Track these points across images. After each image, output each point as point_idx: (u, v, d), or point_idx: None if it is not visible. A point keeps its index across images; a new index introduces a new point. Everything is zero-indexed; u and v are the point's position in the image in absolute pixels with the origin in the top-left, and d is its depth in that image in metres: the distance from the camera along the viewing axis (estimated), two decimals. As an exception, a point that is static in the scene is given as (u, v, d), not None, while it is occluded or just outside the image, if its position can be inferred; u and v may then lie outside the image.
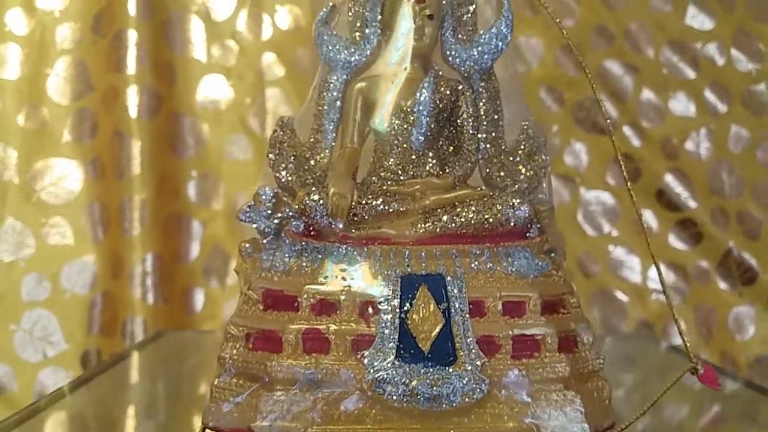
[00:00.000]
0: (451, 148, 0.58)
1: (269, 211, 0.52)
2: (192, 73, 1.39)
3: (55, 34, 1.34)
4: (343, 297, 0.50)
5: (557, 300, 0.53)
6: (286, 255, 0.53)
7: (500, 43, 0.57)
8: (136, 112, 1.35)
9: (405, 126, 0.56)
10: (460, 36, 0.57)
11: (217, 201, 1.41)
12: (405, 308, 0.49)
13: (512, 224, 0.52)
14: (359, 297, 0.50)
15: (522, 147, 0.57)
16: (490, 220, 0.52)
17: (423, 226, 0.53)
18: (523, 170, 0.55)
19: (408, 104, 0.56)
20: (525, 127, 0.58)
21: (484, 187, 0.56)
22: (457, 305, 0.49)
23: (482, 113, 0.57)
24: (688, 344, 0.55)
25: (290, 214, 0.52)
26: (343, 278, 0.50)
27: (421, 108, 0.56)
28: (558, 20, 0.60)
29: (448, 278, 0.50)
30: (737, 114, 1.42)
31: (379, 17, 0.57)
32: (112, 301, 1.37)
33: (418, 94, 0.56)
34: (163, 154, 1.38)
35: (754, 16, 1.41)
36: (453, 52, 0.57)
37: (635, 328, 1.43)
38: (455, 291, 0.49)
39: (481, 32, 0.57)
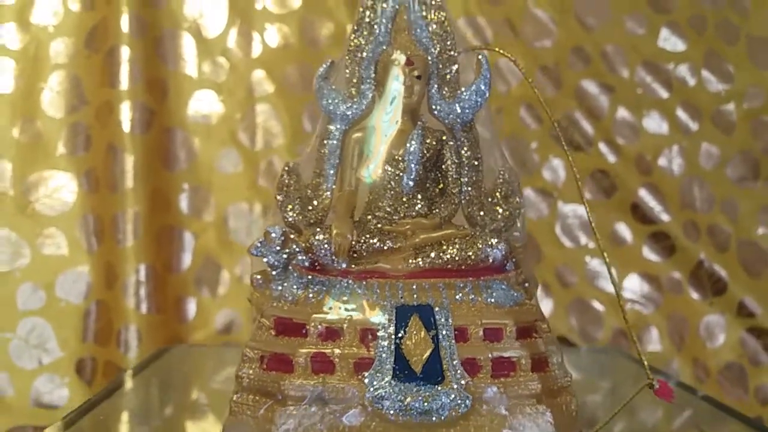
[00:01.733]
0: (437, 189, 0.67)
1: (278, 247, 0.61)
2: (183, 88, 1.47)
3: (49, 48, 1.41)
4: (345, 325, 0.59)
5: (530, 326, 0.63)
6: (294, 286, 0.62)
7: (480, 99, 0.66)
8: (129, 126, 1.42)
9: (397, 172, 0.65)
10: (444, 92, 0.67)
11: (208, 213, 1.48)
12: (399, 335, 0.58)
13: (491, 261, 0.62)
14: (359, 325, 0.59)
15: (499, 190, 0.66)
16: (472, 256, 0.61)
17: (413, 261, 0.62)
18: (500, 211, 0.65)
19: (399, 153, 0.65)
20: (501, 172, 0.67)
21: (466, 226, 0.65)
22: (444, 332, 0.58)
23: (464, 160, 0.66)
24: (645, 359, 0.64)
25: (297, 250, 0.61)
26: (346, 308, 0.60)
27: (410, 157, 0.65)
28: (521, 66, 0.69)
29: (436, 308, 0.59)
30: (708, 132, 1.52)
31: (373, 75, 0.66)
32: (107, 310, 1.44)
33: (408, 145, 0.65)
34: (155, 167, 1.46)
35: (723, 39, 1.51)
36: (438, 107, 0.66)
37: (611, 337, 1.52)
38: (442, 320, 0.59)
39: (463, 89, 0.67)
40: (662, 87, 1.52)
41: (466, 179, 0.66)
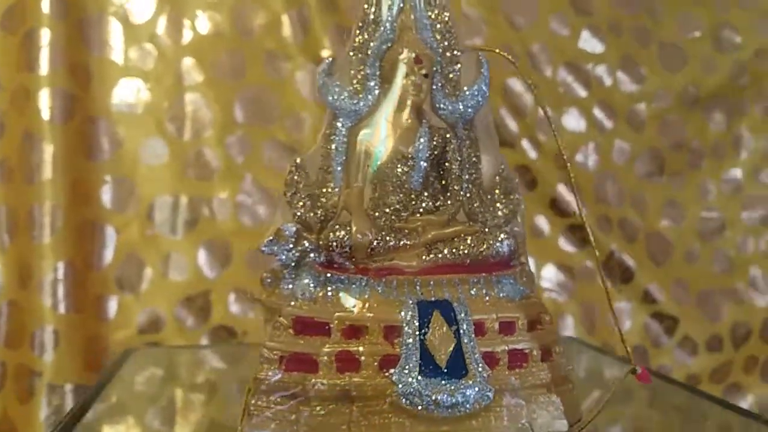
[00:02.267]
0: (439, 186, 0.69)
1: (291, 245, 0.60)
2: (108, 75, 1.40)
3: (-41, 28, 1.31)
4: (369, 322, 0.59)
5: (537, 318, 0.65)
6: (311, 284, 0.61)
7: (481, 98, 0.68)
8: (49, 114, 1.34)
9: (406, 170, 0.66)
10: (447, 91, 0.68)
11: (132, 207, 1.42)
12: (423, 331, 0.59)
13: (500, 256, 0.64)
14: (383, 321, 0.59)
15: (498, 187, 0.68)
16: (484, 252, 0.63)
17: (427, 258, 0.63)
18: (500, 207, 0.67)
19: (409, 151, 0.66)
20: (501, 170, 0.69)
21: (471, 223, 0.67)
22: (464, 327, 0.60)
23: (465, 157, 0.68)
24: (629, 349, 0.68)
25: (309, 247, 0.60)
26: (367, 306, 0.60)
27: (419, 155, 0.66)
28: (514, 60, 0.71)
29: (455, 304, 0.61)
30: (621, 130, 1.61)
31: (378, 72, 0.66)
32: (19, 311, 1.35)
33: (416, 143, 0.66)
34: (76, 158, 1.38)
35: (637, 42, 1.61)
36: (442, 105, 0.67)
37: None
38: (462, 314, 0.60)
39: (466, 88, 0.68)
40: (581, 86, 1.60)
41: (467, 176, 0.68)
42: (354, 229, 0.61)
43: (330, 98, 0.66)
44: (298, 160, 0.66)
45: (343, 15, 1.50)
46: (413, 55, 0.65)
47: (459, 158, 0.67)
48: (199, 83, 1.44)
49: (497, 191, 0.68)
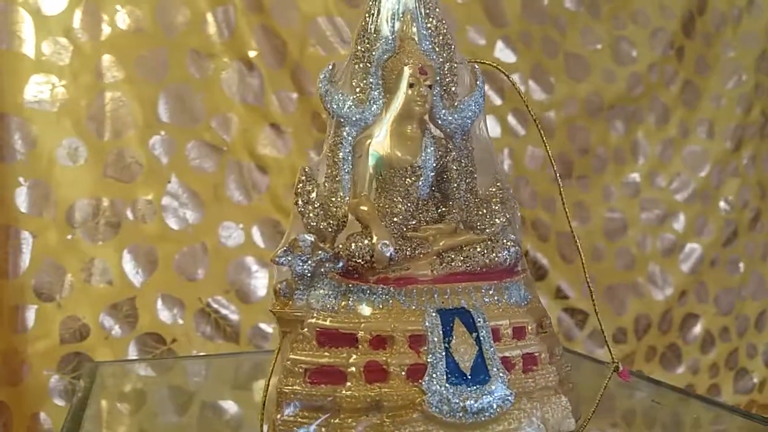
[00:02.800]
0: (438, 194, 0.69)
1: (307, 256, 0.58)
2: (19, 70, 1.29)
3: None
4: (395, 332, 0.58)
5: (541, 322, 0.67)
6: (330, 296, 0.59)
7: (477, 109, 0.69)
8: (-46, 111, 1.22)
9: (413, 180, 0.65)
10: (446, 102, 0.68)
11: (49, 210, 1.32)
12: (447, 339, 0.59)
13: (508, 262, 0.65)
14: (408, 331, 0.59)
15: (495, 196, 0.69)
16: (495, 259, 0.64)
17: (440, 267, 0.63)
18: (499, 216, 0.68)
19: (416, 162, 0.65)
20: (498, 178, 0.70)
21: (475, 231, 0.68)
22: (483, 333, 0.60)
23: (462, 166, 0.68)
24: (612, 348, 0.71)
25: (325, 257, 0.59)
26: (391, 315, 0.59)
27: (427, 165, 0.65)
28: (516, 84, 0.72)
29: (472, 311, 0.61)
30: (533, 136, 1.67)
31: (381, 81, 0.65)
32: None
33: (423, 154, 0.65)
34: (-15, 159, 1.27)
35: (546, 53, 1.68)
36: (441, 116, 0.67)
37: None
38: (481, 321, 0.60)
39: (465, 98, 0.68)
40: (497, 94, 1.64)
41: (464, 185, 0.68)
42: (375, 239, 0.59)
43: (335, 106, 0.64)
44: (307, 169, 0.64)
45: (268, 15, 1.47)
46: (419, 66, 0.65)
47: (456, 168, 0.68)
48: (120, 81, 1.36)
49: (494, 200, 0.69)
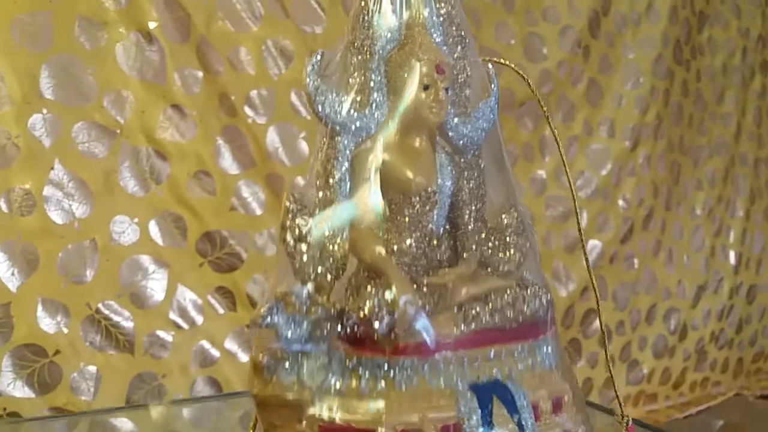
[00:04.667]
0: (448, 224, 0.52)
1: (301, 316, 0.39)
2: None
3: None
4: (424, 425, 0.41)
5: (574, 392, 0.52)
6: (335, 372, 0.41)
7: (492, 117, 0.52)
8: None
9: (426, 208, 0.48)
10: (457, 108, 0.51)
11: None
12: (486, 425, 0.43)
13: (541, 313, 0.49)
14: (440, 421, 0.42)
15: (511, 227, 0.53)
16: (527, 312, 0.48)
17: (465, 324, 0.46)
18: (514, 250, 0.52)
19: (431, 186, 0.48)
20: (512, 203, 0.54)
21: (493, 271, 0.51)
22: (525, 416, 0.44)
23: (473, 189, 0.52)
24: (621, 400, 0.59)
25: (324, 316, 0.41)
26: (416, 399, 0.41)
27: (444, 190, 0.48)
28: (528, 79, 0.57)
29: (509, 384, 0.45)
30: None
31: (385, 80, 0.47)
32: None
33: (440, 176, 0.48)
34: None
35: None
36: (452, 125, 0.50)
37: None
38: (521, 400, 0.45)
39: (480, 106, 0.52)
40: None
41: (475, 213, 0.51)
42: (395, 294, 0.42)
43: (329, 110, 0.46)
44: (295, 194, 0.45)
45: (171, -20, 1.23)
46: (435, 62, 0.47)
47: (469, 192, 0.51)
48: (-10, 49, 1.08)
49: (509, 231, 0.53)
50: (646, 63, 1.80)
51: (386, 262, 0.44)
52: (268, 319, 0.39)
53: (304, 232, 0.43)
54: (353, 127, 0.47)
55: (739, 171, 2.06)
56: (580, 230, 0.63)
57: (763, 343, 2.13)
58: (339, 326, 0.42)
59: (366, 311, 0.41)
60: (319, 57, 0.47)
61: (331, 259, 0.44)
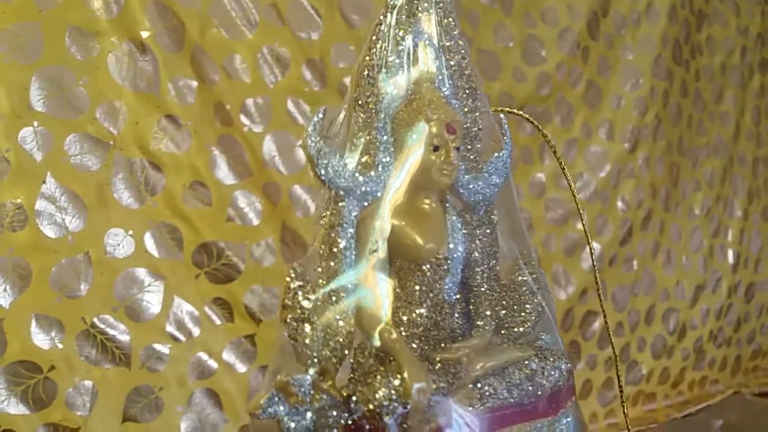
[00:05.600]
0: (460, 286, 0.48)
1: (306, 406, 0.36)
2: None
3: None
4: None
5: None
6: None
7: (505, 171, 0.49)
8: None
9: (438, 276, 0.44)
10: (469, 165, 0.47)
11: None
12: None
13: (561, 383, 0.46)
14: None
15: (525, 284, 0.50)
16: (546, 385, 0.45)
17: (480, 402, 0.43)
18: (529, 311, 0.49)
19: (441, 252, 0.44)
20: (525, 260, 0.51)
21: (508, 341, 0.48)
22: None
23: (486, 247, 0.48)
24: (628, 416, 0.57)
25: (330, 403, 0.37)
26: None
27: (456, 256, 0.45)
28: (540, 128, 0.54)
29: None
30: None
31: (392, 139, 0.43)
32: None
33: (452, 244, 0.44)
34: None
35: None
36: (463, 182, 0.47)
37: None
38: None
39: (491, 161, 0.48)
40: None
41: (488, 272, 0.48)
42: (408, 380, 0.38)
43: (332, 173, 0.42)
44: (298, 269, 0.41)
45: (163, -11, 1.18)
46: (445, 122, 0.44)
47: (481, 251, 0.48)
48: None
49: (524, 289, 0.49)
50: (646, 64, 1.76)
51: (396, 343, 0.41)
52: (268, 410, 0.36)
53: (307, 313, 0.40)
54: (359, 192, 0.43)
55: (737, 171, 2.03)
56: (586, 232, 0.61)
57: (760, 340, 2.11)
58: (346, 414, 0.38)
59: (376, 404, 0.38)
60: (321, 116, 0.43)
61: (336, 338, 0.40)
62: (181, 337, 1.21)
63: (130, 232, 1.17)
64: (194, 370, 1.23)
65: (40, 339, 1.09)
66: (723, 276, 2.00)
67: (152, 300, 1.20)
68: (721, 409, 1.78)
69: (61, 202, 1.12)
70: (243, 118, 1.26)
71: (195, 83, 1.22)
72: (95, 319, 1.14)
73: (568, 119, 1.66)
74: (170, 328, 1.20)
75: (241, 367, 1.27)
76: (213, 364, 1.24)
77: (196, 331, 1.22)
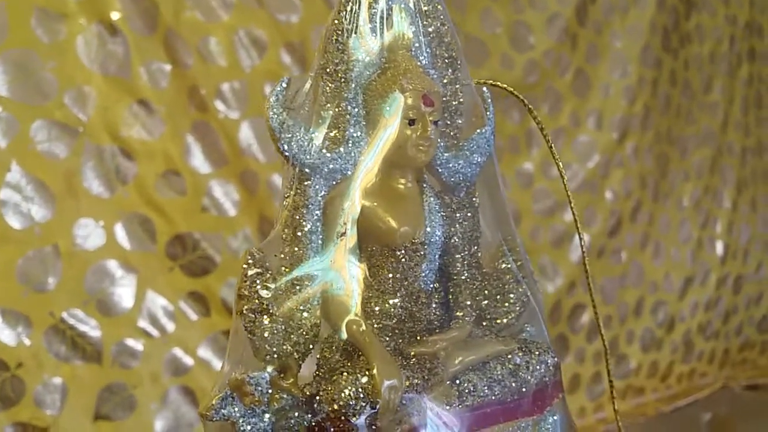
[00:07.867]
0: (438, 274, 0.44)
1: (263, 406, 0.33)
2: None
3: None
4: None
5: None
6: None
7: (488, 149, 0.45)
8: None
9: (413, 263, 0.40)
10: (448, 142, 0.43)
11: None
12: None
13: (547, 379, 0.43)
14: None
15: (509, 272, 0.46)
16: (531, 381, 0.41)
17: (459, 400, 0.39)
18: (513, 301, 0.45)
19: (417, 236, 0.40)
20: (509, 245, 0.47)
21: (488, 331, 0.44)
22: None
23: (467, 232, 0.44)
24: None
25: (290, 404, 0.34)
26: None
27: (433, 240, 0.41)
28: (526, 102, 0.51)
29: None
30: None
31: (363, 112, 0.39)
32: None
33: (429, 228, 0.40)
34: None
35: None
36: (443, 162, 0.43)
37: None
38: None
39: (472, 137, 0.44)
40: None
41: (469, 258, 0.44)
42: (377, 377, 0.35)
43: (296, 148, 0.38)
44: (256, 254, 0.37)
45: (135, -32, 1.14)
46: (422, 92, 0.40)
47: (461, 236, 0.44)
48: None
49: (508, 277, 0.46)
50: (634, 52, 1.74)
51: (366, 335, 0.37)
52: (220, 412, 0.33)
53: (265, 303, 0.36)
54: (326, 169, 0.39)
55: (726, 161, 2.01)
56: (576, 222, 0.57)
57: (748, 332, 2.10)
58: (309, 415, 0.35)
59: (341, 403, 0.34)
60: (284, 85, 0.39)
61: (300, 331, 0.36)
62: (155, 333, 1.17)
63: (101, 222, 1.13)
64: (169, 367, 1.19)
65: (7, 335, 1.05)
66: (712, 268, 1.98)
67: (124, 294, 1.16)
68: (710, 403, 1.77)
69: (27, 191, 1.08)
70: (218, 104, 1.22)
71: (168, 67, 1.17)
72: (64, 314, 1.10)
73: (557, 108, 1.63)
74: (143, 323, 1.16)
75: (218, 364, 1.23)
76: (189, 360, 1.20)
77: (170, 326, 1.18)
